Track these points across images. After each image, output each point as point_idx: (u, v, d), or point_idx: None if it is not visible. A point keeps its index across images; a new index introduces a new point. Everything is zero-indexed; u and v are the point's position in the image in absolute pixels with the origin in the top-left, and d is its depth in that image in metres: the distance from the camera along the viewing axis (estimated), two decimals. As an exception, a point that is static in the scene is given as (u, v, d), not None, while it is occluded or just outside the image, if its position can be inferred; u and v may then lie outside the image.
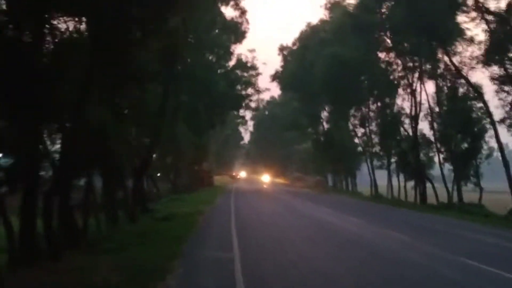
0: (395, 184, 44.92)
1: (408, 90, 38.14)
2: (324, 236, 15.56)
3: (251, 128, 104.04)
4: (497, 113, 28.83)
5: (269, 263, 10.77)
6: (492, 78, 26.57)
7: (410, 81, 37.35)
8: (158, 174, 43.07)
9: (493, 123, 28.35)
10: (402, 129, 40.41)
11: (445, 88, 34.77)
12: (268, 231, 16.38)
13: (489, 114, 28.91)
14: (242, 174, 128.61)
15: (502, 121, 26.77)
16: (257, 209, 25.66)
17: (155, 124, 23.02)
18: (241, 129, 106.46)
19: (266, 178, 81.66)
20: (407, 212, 27.83)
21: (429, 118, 35.91)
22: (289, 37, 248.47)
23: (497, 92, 26.77)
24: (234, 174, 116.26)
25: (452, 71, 32.42)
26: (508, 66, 25.65)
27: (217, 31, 50.94)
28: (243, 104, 62.28)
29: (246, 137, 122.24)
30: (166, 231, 15.78)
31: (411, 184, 42.12)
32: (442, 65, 34.18)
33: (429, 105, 35.70)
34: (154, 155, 42.25)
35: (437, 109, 35.36)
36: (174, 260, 10.79)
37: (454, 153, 34.01)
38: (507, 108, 26.55)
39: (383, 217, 24.10)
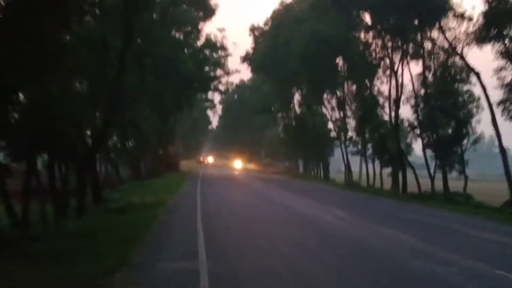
0: (370, 171, 43.05)
1: (388, 72, 35.92)
2: (309, 236, 12.93)
3: (219, 112, 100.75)
4: (494, 95, 26.93)
5: (246, 277, 8.04)
6: (501, 53, 24.18)
7: (392, 61, 35.06)
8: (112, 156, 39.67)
9: (490, 106, 26.21)
10: (380, 113, 38.26)
11: (432, 68, 32.41)
12: (242, 230, 13.63)
13: (486, 97, 26.75)
14: (210, 159, 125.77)
15: (502, 102, 24.55)
16: (226, 199, 22.90)
17: (110, 101, 19.67)
18: (210, 113, 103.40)
19: (237, 163, 77.17)
20: (390, 202, 25.58)
21: (412, 101, 33.72)
22: (261, 18, 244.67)
23: (497, 70, 24.58)
24: (201, 159, 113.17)
25: (442, 49, 30.21)
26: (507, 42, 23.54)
27: (184, 6, 47.47)
28: (212, 86, 59.14)
29: (215, 122, 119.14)
30: (116, 229, 12.87)
31: (386, 171, 40.27)
32: (429, 44, 31.86)
33: (413, 86, 33.47)
34: (111, 138, 39.09)
35: (422, 91, 33.04)
36: (115, 275, 7.94)
37: (439, 139, 31.85)
38: (506, 89, 24.31)
39: (366, 209, 21.76)
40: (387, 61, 35.74)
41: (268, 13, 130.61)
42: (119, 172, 40.49)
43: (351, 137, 42.79)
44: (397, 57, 34.72)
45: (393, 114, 35.51)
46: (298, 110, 59.98)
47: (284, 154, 73.36)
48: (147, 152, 48.27)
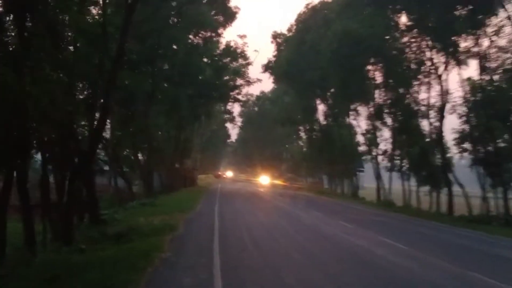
0: (397, 187, 38.61)
1: (432, 77, 31.74)
2: (370, 284, 8.97)
3: (238, 125, 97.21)
4: None
5: None
6: None
7: (435, 66, 30.96)
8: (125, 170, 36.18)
9: None
10: (420, 124, 34.04)
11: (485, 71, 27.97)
12: (273, 272, 9.70)
13: None
14: (229, 173, 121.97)
15: None
16: (249, 222, 19.04)
17: (105, 97, 15.94)
18: (228, 126, 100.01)
19: (264, 179, 68.40)
20: (447, 228, 21.36)
21: (459, 109, 29.35)
22: (283, 24, 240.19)
23: None
24: (219, 173, 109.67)
25: (501, 48, 25.96)
26: None
27: (202, 7, 44.12)
28: (231, 96, 55.60)
29: (233, 135, 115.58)
30: (95, 270, 9.04)
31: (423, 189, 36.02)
32: (483, 43, 27.58)
33: (464, 92, 29.08)
34: (120, 147, 35.60)
35: (473, 98, 28.63)
36: None
37: (495, 152, 27.36)
38: None
39: (424, 238, 17.56)
40: (429, 64, 31.59)
41: (290, 19, 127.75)
42: (131, 187, 36.96)
43: (385, 151, 38.42)
44: (441, 60, 30.60)
45: (432, 124, 31.43)
46: (323, 121, 55.88)
47: (307, 169, 69.14)
48: (162, 165, 44.73)
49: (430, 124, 32.64)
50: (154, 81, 35.26)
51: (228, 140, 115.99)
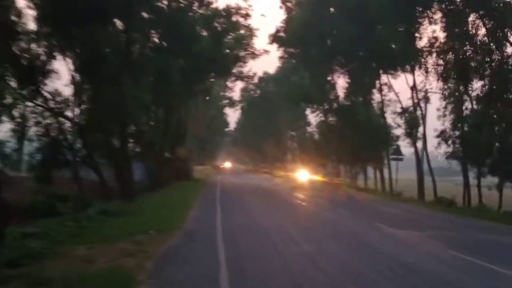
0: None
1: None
2: None
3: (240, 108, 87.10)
4: None
5: None
6: None
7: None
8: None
9: None
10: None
11: None
12: None
13: None
14: (227, 164, 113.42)
15: None
16: (276, 247, 9.92)
17: None
18: (228, 112, 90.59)
19: (303, 174, 51.22)
20: None
21: None
22: None
23: None
24: (218, 164, 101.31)
25: None
26: None
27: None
28: (233, 70, 45.97)
29: (232, 124, 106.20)
30: None
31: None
32: None
33: None
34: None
35: None
36: None
37: None
38: None
39: None
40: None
41: None
42: (104, 182, 27.68)
43: (443, 131, 28.39)
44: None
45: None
46: (342, 100, 46.17)
47: (321, 159, 59.78)
48: (148, 153, 35.36)
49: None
50: (129, 37, 25.84)
51: (227, 129, 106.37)
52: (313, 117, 58.83)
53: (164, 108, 37.54)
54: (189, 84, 38.99)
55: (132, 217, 15.69)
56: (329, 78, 45.79)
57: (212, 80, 46.46)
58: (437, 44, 26.96)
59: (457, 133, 27.81)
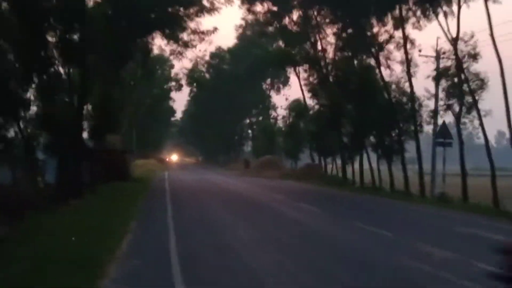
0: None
1: None
2: None
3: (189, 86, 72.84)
4: None
5: None
6: None
7: None
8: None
9: None
10: None
11: None
12: None
13: None
14: (173, 157, 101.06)
15: None
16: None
17: None
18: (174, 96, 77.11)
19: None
20: None
21: None
22: None
23: None
24: (164, 157, 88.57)
25: None
26: None
27: None
28: (181, 25, 32.32)
29: (179, 113, 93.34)
30: None
31: None
32: None
33: None
34: None
35: None
36: None
37: None
38: None
39: None
40: None
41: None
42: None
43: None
44: None
45: None
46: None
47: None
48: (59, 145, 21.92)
49: None
50: None
51: (173, 119, 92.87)
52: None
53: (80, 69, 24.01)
54: (124, 40, 25.74)
55: None
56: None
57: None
58: None
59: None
